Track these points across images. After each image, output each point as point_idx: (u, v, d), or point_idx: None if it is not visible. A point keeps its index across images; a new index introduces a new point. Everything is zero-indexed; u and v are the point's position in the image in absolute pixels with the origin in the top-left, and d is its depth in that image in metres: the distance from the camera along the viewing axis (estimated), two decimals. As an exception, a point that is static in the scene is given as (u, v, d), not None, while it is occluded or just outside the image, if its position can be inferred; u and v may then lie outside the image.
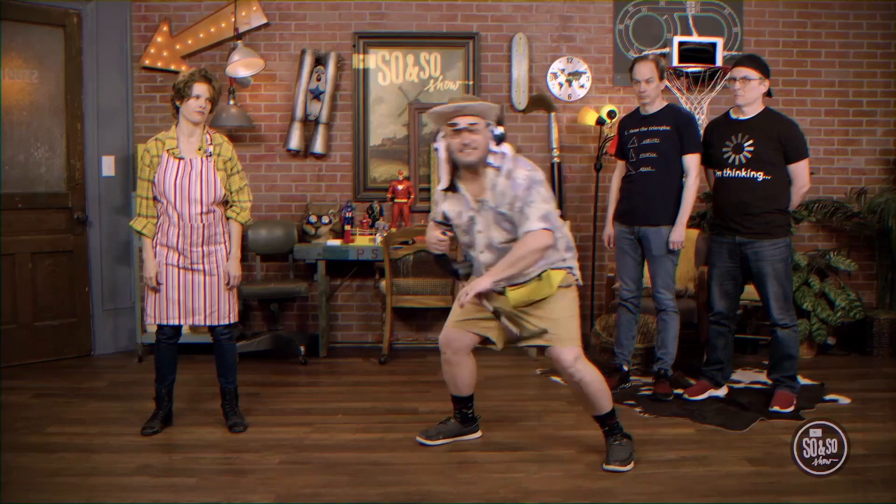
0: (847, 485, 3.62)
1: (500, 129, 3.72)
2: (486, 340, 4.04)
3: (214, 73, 4.50)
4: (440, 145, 3.77)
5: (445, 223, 3.89)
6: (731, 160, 4.72)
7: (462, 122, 3.63)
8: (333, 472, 3.83)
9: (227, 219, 4.39)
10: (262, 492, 3.62)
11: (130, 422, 4.48)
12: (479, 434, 4.32)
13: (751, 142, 4.66)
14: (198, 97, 4.19)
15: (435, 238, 3.85)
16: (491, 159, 3.68)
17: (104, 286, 6.21)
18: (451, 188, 3.80)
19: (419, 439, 4.20)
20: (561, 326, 3.78)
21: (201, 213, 4.23)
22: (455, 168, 3.78)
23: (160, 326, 4.35)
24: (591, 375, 3.80)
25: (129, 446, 4.18)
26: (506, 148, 3.72)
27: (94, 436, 4.33)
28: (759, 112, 4.71)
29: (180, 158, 4.22)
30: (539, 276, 3.75)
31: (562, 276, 3.79)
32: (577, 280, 3.90)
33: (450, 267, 3.91)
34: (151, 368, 4.49)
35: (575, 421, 4.61)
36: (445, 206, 3.86)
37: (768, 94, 4.77)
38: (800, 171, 4.69)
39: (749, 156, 4.66)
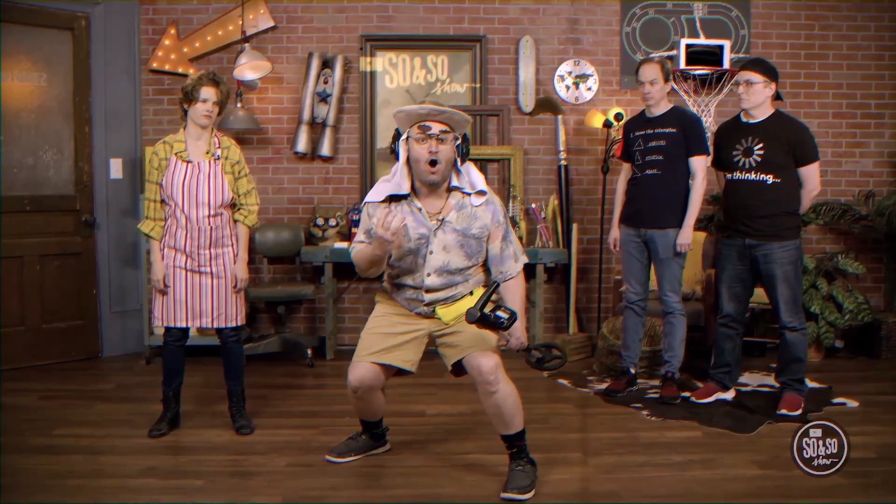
0: (854, 488, 3.62)
1: (466, 146, 3.51)
2: (398, 372, 3.73)
3: (222, 75, 4.51)
4: (401, 148, 3.50)
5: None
6: (740, 163, 4.71)
7: (435, 127, 3.41)
8: (340, 475, 3.83)
9: (235, 222, 4.40)
10: (269, 494, 3.62)
11: (137, 424, 4.49)
12: (388, 447, 4.13)
13: (760, 145, 4.65)
14: (205, 101, 4.20)
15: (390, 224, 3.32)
16: (455, 180, 3.51)
17: (112, 288, 6.23)
18: (402, 197, 3.53)
19: (328, 457, 4.01)
20: (484, 335, 3.55)
21: (209, 215, 4.24)
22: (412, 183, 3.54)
23: (167, 328, 4.36)
24: (510, 388, 3.55)
25: (136, 448, 4.19)
26: (471, 169, 3.56)
27: (100, 438, 4.34)
28: (770, 115, 4.70)
29: (188, 161, 4.23)
30: (471, 292, 3.63)
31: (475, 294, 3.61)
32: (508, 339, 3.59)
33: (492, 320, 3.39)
34: (159, 371, 4.50)
35: (582, 423, 4.60)
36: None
37: (778, 97, 4.76)
38: (810, 175, 4.68)
39: (759, 159, 4.65)
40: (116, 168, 6.20)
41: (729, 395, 5.00)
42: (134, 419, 4.59)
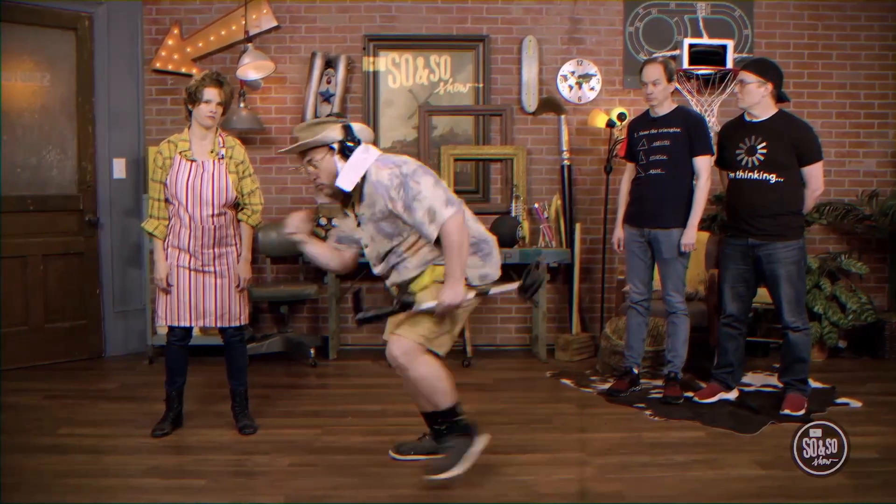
0: (857, 488, 3.61)
1: (348, 143, 3.50)
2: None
3: (226, 75, 4.51)
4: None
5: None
6: (744, 162, 4.71)
7: (299, 162, 3.59)
8: (343, 475, 3.83)
9: (239, 221, 4.40)
10: (272, 494, 3.62)
11: (141, 423, 4.49)
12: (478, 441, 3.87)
13: (764, 144, 4.64)
14: (209, 102, 4.20)
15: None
16: (345, 180, 3.49)
17: (115, 288, 6.24)
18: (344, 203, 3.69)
19: (391, 454, 4.02)
20: (410, 319, 3.56)
21: (213, 215, 4.24)
22: None
23: (171, 328, 4.36)
24: (424, 370, 3.54)
25: (139, 448, 4.19)
26: (360, 154, 3.51)
27: (104, 437, 4.35)
28: (773, 114, 4.70)
29: (192, 161, 4.23)
30: (433, 264, 3.57)
31: (441, 272, 3.53)
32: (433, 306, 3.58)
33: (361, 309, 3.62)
34: (162, 370, 4.50)
35: (585, 423, 4.61)
36: (342, 221, 3.80)
37: (782, 97, 4.76)
38: (814, 174, 4.68)
39: (762, 158, 4.65)
40: (120, 168, 6.21)
41: (732, 395, 4.99)
42: (137, 419, 4.59)
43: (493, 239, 3.69)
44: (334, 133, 3.52)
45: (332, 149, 3.51)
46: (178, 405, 4.47)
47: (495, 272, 3.67)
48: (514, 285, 3.62)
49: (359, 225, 3.65)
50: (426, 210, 3.37)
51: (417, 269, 3.60)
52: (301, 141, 3.51)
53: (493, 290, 3.62)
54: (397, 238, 3.56)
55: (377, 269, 3.72)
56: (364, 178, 3.50)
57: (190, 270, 4.28)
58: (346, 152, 3.50)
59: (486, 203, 6.54)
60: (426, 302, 3.49)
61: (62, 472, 3.84)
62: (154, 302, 4.62)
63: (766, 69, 4.69)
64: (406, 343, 3.55)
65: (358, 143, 3.54)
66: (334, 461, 4.00)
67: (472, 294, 3.48)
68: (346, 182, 3.50)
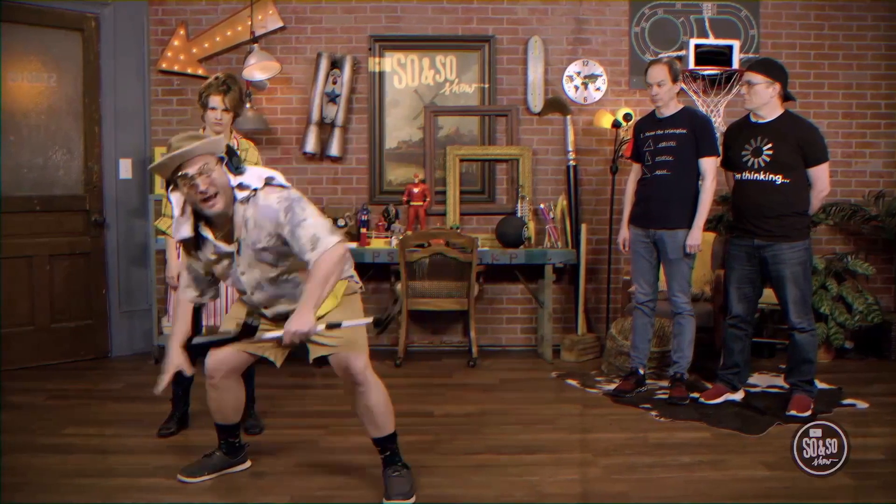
0: (862, 489, 3.61)
1: (234, 158, 3.30)
2: (262, 360, 3.66)
3: (237, 77, 4.50)
4: (173, 198, 3.29)
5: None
6: (750, 163, 4.70)
7: (191, 168, 3.15)
8: (348, 475, 3.83)
9: None
10: (277, 493, 3.63)
11: (146, 423, 4.50)
12: (248, 464, 3.94)
13: (769, 145, 4.64)
14: (214, 109, 4.22)
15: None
16: (238, 195, 3.26)
17: (121, 288, 6.25)
18: (195, 238, 3.35)
19: (180, 478, 3.76)
20: (353, 332, 3.43)
21: None
22: (196, 214, 3.31)
23: None
24: (379, 388, 3.51)
25: (145, 448, 4.20)
26: (249, 174, 3.31)
27: (110, 437, 4.36)
28: (779, 115, 4.69)
29: None
30: None
31: (345, 286, 3.48)
32: (360, 287, 3.61)
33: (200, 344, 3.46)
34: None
35: (590, 424, 4.60)
36: (191, 261, 3.47)
37: (789, 97, 4.75)
38: (820, 175, 4.67)
39: (768, 159, 4.64)
40: (126, 168, 6.22)
41: (738, 396, 4.99)
42: (143, 419, 4.60)
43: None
44: (222, 145, 3.30)
45: (221, 160, 3.25)
46: (185, 405, 4.48)
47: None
48: (369, 319, 3.45)
49: (237, 252, 3.33)
50: (310, 237, 3.17)
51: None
52: (196, 144, 3.17)
53: (346, 324, 3.35)
54: (282, 263, 3.34)
55: (255, 297, 3.42)
56: (247, 202, 3.28)
57: None
58: (234, 166, 3.28)
59: (492, 203, 6.54)
60: (347, 320, 3.33)
61: (68, 471, 3.85)
62: (165, 301, 4.61)
63: (774, 69, 4.69)
64: (366, 358, 3.49)
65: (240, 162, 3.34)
66: (339, 461, 4.01)
67: (321, 326, 3.24)
68: (249, 184, 3.28)
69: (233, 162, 3.28)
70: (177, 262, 4.31)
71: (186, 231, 3.32)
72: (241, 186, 3.26)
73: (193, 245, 3.39)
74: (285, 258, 3.32)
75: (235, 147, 4.31)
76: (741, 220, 4.81)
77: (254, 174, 3.32)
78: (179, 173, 3.16)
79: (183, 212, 3.33)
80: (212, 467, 3.82)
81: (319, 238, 3.16)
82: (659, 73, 4.88)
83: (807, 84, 6.51)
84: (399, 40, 6.46)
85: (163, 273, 6.29)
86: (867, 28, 6.52)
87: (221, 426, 3.83)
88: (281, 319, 3.37)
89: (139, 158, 6.29)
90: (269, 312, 3.48)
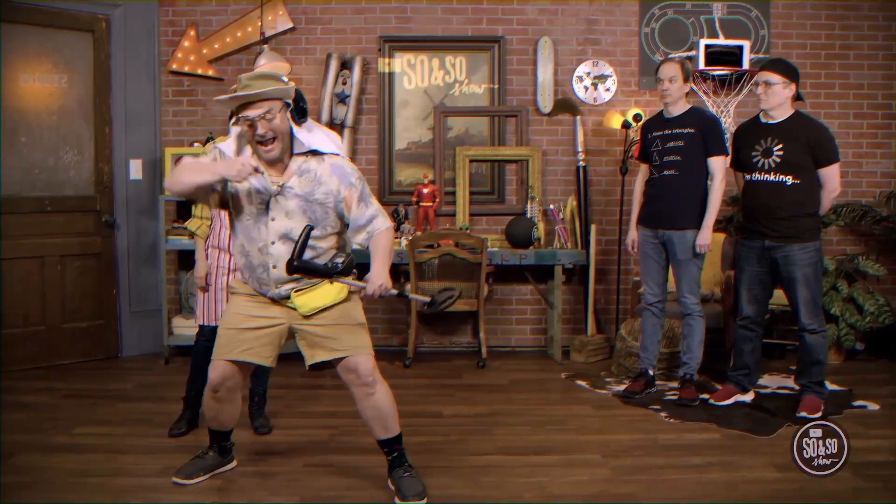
0: (872, 491, 3.60)
1: (302, 106, 3.31)
2: (257, 368, 3.65)
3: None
4: (232, 130, 3.36)
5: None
6: (760, 164, 4.69)
7: (254, 112, 3.17)
8: (358, 475, 3.83)
9: None
10: (287, 494, 3.63)
11: (157, 423, 4.51)
12: (234, 463, 3.92)
13: (780, 146, 4.62)
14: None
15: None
16: (297, 147, 3.31)
17: (131, 289, 6.26)
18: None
19: (175, 479, 3.71)
20: (358, 334, 3.49)
21: None
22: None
23: (201, 327, 4.37)
24: (386, 388, 3.52)
25: (155, 447, 4.21)
26: (312, 126, 3.37)
27: (120, 437, 4.37)
28: (789, 116, 4.68)
29: None
30: (330, 281, 3.41)
31: (345, 292, 3.49)
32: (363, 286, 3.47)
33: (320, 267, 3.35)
34: (178, 371, 4.53)
35: (600, 425, 4.60)
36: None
37: (799, 97, 4.74)
38: (830, 176, 4.65)
39: (778, 160, 4.62)
40: (136, 169, 6.24)
41: (748, 397, 4.97)
42: (154, 418, 4.61)
43: None
44: (291, 92, 3.27)
45: (287, 105, 3.27)
46: (197, 405, 4.49)
47: None
48: (427, 298, 3.55)
49: (279, 194, 3.32)
50: (373, 211, 3.41)
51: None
52: (267, 88, 3.17)
53: (411, 296, 3.71)
54: (321, 227, 3.36)
55: (275, 248, 3.34)
56: (314, 154, 3.34)
57: (229, 272, 4.30)
58: (299, 115, 3.30)
59: (502, 204, 6.54)
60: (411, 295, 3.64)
61: (78, 471, 3.86)
62: (188, 300, 4.55)
63: (790, 69, 4.68)
64: (373, 360, 3.50)
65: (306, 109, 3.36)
66: (349, 462, 4.01)
67: (395, 291, 3.43)
68: (319, 143, 3.34)
69: (298, 111, 3.30)
70: (205, 262, 4.34)
71: (252, 158, 3.25)
72: (298, 140, 3.30)
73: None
74: (325, 223, 3.37)
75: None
76: (751, 222, 4.80)
77: (325, 137, 3.41)
78: (241, 114, 3.20)
79: (240, 149, 3.35)
80: (207, 468, 3.81)
81: (378, 216, 3.42)
82: (671, 70, 4.87)
83: (817, 84, 6.49)
84: (409, 41, 6.46)
85: (173, 273, 6.36)
86: (878, 28, 6.49)
87: (216, 431, 3.82)
88: (282, 284, 3.39)
89: (149, 159, 6.31)
90: (275, 273, 3.38)
